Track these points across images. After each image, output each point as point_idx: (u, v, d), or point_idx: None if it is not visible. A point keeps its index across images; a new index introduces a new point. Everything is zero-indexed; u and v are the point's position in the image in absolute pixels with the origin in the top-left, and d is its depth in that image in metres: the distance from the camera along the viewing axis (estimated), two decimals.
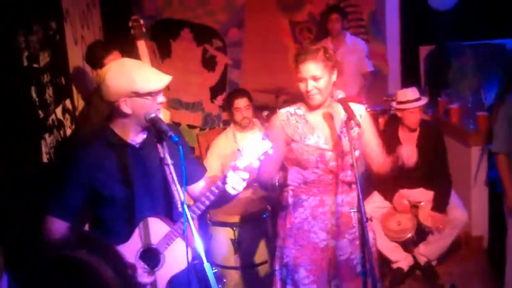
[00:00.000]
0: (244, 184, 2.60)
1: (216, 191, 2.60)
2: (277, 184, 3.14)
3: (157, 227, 2.60)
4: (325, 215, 3.14)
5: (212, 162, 4.70)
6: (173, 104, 6.58)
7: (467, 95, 5.93)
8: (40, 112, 3.74)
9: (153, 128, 2.50)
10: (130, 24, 4.17)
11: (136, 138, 2.62)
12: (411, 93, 4.69)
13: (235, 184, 2.56)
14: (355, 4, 6.62)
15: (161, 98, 2.57)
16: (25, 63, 3.60)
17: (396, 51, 6.72)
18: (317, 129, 3.11)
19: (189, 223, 2.35)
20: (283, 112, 3.18)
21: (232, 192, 2.58)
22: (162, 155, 2.51)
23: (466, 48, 6.42)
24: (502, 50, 6.36)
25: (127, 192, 2.58)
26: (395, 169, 3.25)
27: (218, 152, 4.70)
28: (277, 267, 3.28)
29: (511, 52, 6.27)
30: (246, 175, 2.59)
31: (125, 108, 2.50)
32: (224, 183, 2.58)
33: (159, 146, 2.51)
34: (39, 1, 3.96)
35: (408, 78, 6.50)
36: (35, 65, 3.78)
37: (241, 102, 4.72)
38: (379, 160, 3.26)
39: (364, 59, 6.18)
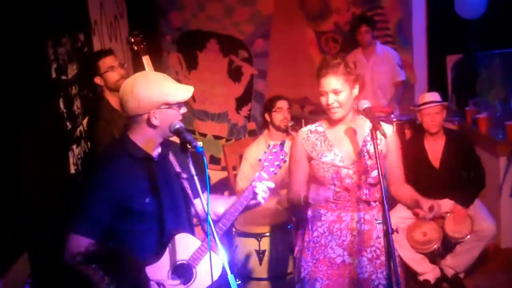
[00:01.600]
0: (269, 193, 2.69)
1: (245, 202, 2.67)
2: (302, 202, 3.14)
3: (187, 242, 2.62)
4: (341, 231, 3.14)
5: (248, 172, 4.74)
6: (199, 115, 6.62)
7: (496, 104, 5.87)
8: (68, 123, 3.80)
9: (179, 138, 2.52)
10: (132, 40, 4.04)
11: (156, 151, 2.63)
12: (430, 95, 4.72)
13: (264, 193, 2.66)
14: (381, 13, 6.59)
15: (183, 109, 2.60)
16: (54, 75, 3.66)
17: (423, 60, 6.68)
18: (335, 147, 3.11)
19: (213, 233, 2.37)
20: (304, 131, 3.21)
21: (262, 201, 2.68)
22: (178, 169, 2.57)
23: (494, 56, 6.35)
24: None
25: (156, 205, 2.59)
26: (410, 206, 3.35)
27: (252, 161, 4.72)
28: (296, 278, 3.30)
29: None
30: (272, 184, 2.70)
31: (154, 120, 2.51)
32: (253, 194, 2.65)
33: (172, 159, 2.59)
34: (68, 12, 4.01)
35: (435, 88, 6.43)
36: (63, 77, 3.84)
37: (282, 104, 4.80)
38: (396, 185, 3.23)
39: (396, 68, 6.15)
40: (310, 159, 3.14)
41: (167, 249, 2.59)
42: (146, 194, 2.56)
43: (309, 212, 3.21)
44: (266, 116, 4.88)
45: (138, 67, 4.19)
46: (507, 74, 6.22)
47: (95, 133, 3.89)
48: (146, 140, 2.58)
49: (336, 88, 3.00)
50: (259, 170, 2.82)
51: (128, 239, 2.61)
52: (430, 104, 4.62)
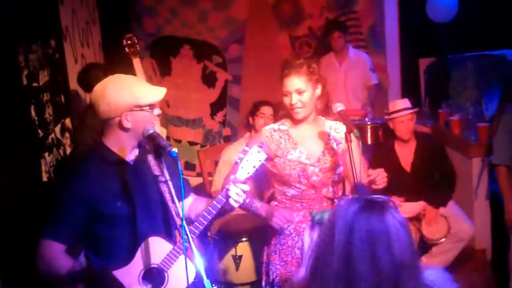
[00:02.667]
0: (244, 196, 2.63)
1: (218, 205, 2.62)
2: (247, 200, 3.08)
3: (159, 246, 2.58)
4: None
5: (224, 173, 4.70)
6: (174, 121, 6.58)
7: (468, 106, 5.93)
8: (39, 131, 3.75)
9: (152, 143, 2.51)
10: (124, 43, 4.16)
11: (131, 155, 2.60)
12: (401, 103, 4.72)
13: (237, 197, 2.60)
14: (354, 18, 6.63)
15: (157, 111, 2.58)
16: (25, 82, 3.61)
17: (396, 64, 6.73)
18: (299, 144, 3.14)
19: (188, 238, 2.36)
20: (267, 129, 3.23)
21: (235, 204, 2.62)
22: (156, 172, 2.54)
23: (466, 59, 6.43)
24: (502, 61, 6.37)
25: (129, 209, 2.56)
26: None
27: (231, 162, 4.70)
28: (263, 283, 3.27)
29: (511, 63, 6.28)
30: (247, 187, 2.64)
31: (126, 123, 2.48)
32: (227, 196, 2.60)
33: (151, 162, 2.55)
34: (38, 19, 3.97)
35: (408, 91, 6.50)
36: (34, 84, 3.79)
37: (267, 110, 4.82)
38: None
39: (369, 72, 6.21)
40: (273, 157, 3.15)
41: (139, 253, 2.55)
42: (118, 198, 2.54)
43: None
44: (250, 119, 4.93)
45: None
46: (479, 77, 6.30)
47: (77, 139, 3.90)
48: (119, 144, 2.55)
49: (299, 88, 3.05)
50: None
51: (101, 243, 2.58)
52: (403, 112, 4.62)
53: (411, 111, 4.66)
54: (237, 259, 4.20)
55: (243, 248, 4.23)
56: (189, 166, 6.48)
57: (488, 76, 6.28)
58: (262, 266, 3.32)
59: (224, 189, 2.62)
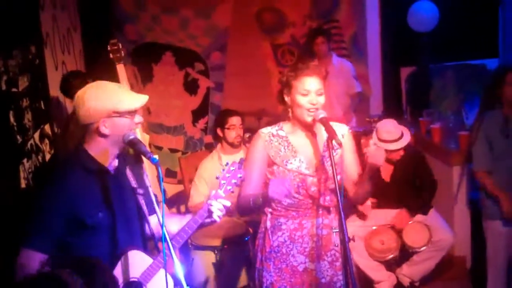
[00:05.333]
0: (224, 211, 2.66)
1: (200, 221, 2.64)
2: (251, 204, 3.00)
3: (139, 259, 2.56)
4: (303, 238, 3.10)
5: (201, 187, 4.70)
6: (155, 128, 6.56)
7: (449, 114, 5.98)
8: (18, 137, 3.71)
9: (133, 149, 2.49)
10: (109, 48, 4.13)
11: (112, 163, 2.58)
12: (394, 131, 4.59)
13: (219, 212, 2.64)
14: (337, 26, 6.66)
15: (138, 118, 2.55)
16: (3, 87, 3.58)
17: (377, 73, 6.77)
18: (299, 153, 3.05)
19: (169, 247, 2.35)
20: (266, 133, 3.11)
21: (217, 219, 2.65)
22: (134, 185, 2.56)
23: (447, 68, 6.49)
24: (482, 71, 6.44)
25: (110, 219, 2.53)
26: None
27: (206, 176, 4.69)
28: None
29: (491, 72, 6.34)
30: (228, 203, 2.67)
31: (104, 129, 2.45)
32: (210, 212, 2.63)
33: (130, 174, 2.58)
34: (18, 25, 3.94)
35: (390, 99, 6.54)
36: (13, 89, 3.76)
37: (235, 120, 4.72)
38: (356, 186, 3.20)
39: (351, 79, 6.22)
40: (271, 164, 3.07)
41: (118, 266, 2.53)
42: (100, 208, 2.51)
43: (268, 222, 3.15)
44: (219, 131, 4.80)
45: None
46: (460, 85, 6.36)
47: (55, 144, 3.88)
48: (100, 151, 2.52)
49: (319, 89, 2.99)
50: (214, 187, 2.79)
51: (81, 253, 2.51)
52: (395, 145, 4.55)
53: (405, 142, 4.57)
54: (218, 267, 4.18)
55: (224, 255, 4.21)
56: (170, 173, 6.45)
57: (469, 85, 6.34)
58: (254, 272, 3.24)
59: (206, 204, 2.64)
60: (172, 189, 6.15)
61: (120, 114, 2.46)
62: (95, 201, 2.51)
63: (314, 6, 6.60)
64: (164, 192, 2.32)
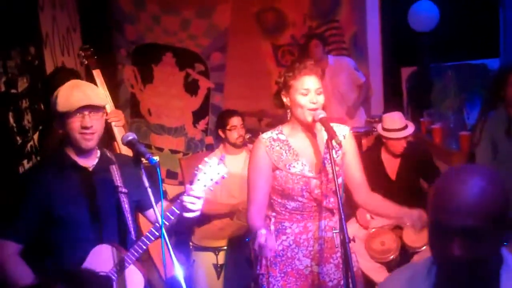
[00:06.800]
0: (199, 206, 2.58)
1: (172, 217, 2.58)
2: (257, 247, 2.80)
3: (109, 254, 2.59)
4: (308, 241, 3.06)
5: None
6: (155, 129, 6.55)
7: (449, 115, 5.97)
8: (18, 138, 3.70)
9: (132, 150, 2.49)
10: (82, 53, 3.86)
11: (89, 161, 2.64)
12: (399, 121, 4.60)
13: (192, 206, 2.56)
14: (337, 27, 6.65)
15: (86, 123, 2.53)
16: (3, 89, 3.57)
17: (378, 73, 6.75)
18: (301, 156, 3.01)
19: (167, 245, 2.33)
20: (266, 138, 3.05)
21: (189, 215, 2.59)
22: (117, 183, 2.60)
23: (448, 68, 6.47)
24: (483, 70, 6.42)
25: (83, 214, 2.58)
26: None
27: None
28: None
29: (492, 72, 6.33)
30: (198, 193, 2.57)
31: (58, 128, 2.58)
32: (181, 208, 2.57)
33: (114, 172, 2.62)
34: (18, 25, 3.93)
35: (391, 99, 6.52)
36: (13, 91, 3.75)
37: (236, 121, 4.67)
38: (361, 192, 3.17)
39: (353, 72, 6.23)
40: (274, 169, 3.02)
41: (88, 259, 2.56)
42: (72, 203, 2.57)
43: (272, 226, 3.10)
44: (220, 132, 4.75)
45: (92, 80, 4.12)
46: (461, 85, 6.34)
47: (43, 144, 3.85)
48: (74, 148, 2.59)
49: (319, 88, 2.94)
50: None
51: (53, 247, 2.60)
52: (400, 133, 4.55)
53: (410, 131, 4.59)
54: (219, 268, 4.17)
55: (225, 256, 4.19)
56: (171, 175, 6.44)
57: (470, 85, 6.33)
58: (257, 278, 3.16)
59: (178, 201, 2.58)
60: (173, 190, 6.13)
61: (60, 115, 2.53)
62: (68, 196, 2.57)
63: (314, 6, 6.60)
64: (164, 193, 2.32)
